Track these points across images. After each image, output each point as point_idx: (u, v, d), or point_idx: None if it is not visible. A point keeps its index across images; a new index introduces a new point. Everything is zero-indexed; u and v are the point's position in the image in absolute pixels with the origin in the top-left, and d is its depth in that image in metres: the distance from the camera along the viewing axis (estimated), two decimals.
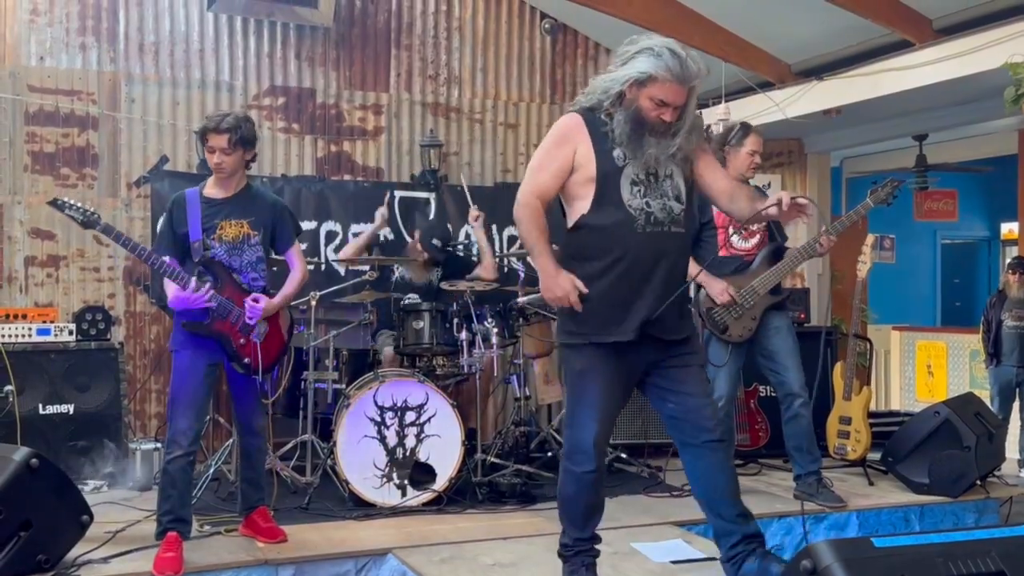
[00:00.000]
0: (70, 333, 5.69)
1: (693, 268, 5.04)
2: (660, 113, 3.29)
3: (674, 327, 3.46)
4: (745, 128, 5.17)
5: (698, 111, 3.45)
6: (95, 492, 5.36)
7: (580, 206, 3.38)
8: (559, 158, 3.39)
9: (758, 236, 5.14)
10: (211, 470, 5.37)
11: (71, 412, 5.59)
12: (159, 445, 5.64)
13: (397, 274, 6.30)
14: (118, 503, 5.11)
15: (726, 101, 6.86)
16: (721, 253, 5.10)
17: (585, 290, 3.30)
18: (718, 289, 5.05)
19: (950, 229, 12.85)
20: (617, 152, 3.35)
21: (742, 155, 5.11)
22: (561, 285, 3.30)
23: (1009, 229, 11.94)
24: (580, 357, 3.42)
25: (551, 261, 3.34)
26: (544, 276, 3.34)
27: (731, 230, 5.07)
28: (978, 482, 5.38)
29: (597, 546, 3.57)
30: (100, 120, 6.34)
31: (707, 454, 3.49)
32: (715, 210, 5.07)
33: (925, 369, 9.86)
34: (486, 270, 6.24)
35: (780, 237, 5.25)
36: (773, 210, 3.40)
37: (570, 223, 3.44)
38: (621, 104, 3.32)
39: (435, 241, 6.45)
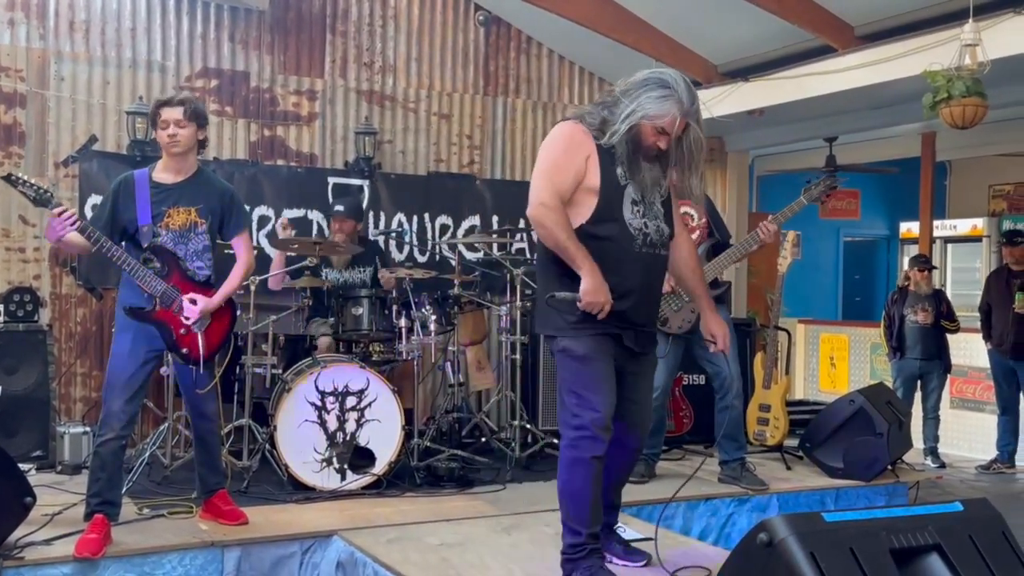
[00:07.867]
0: None
1: None
2: (657, 140, 3.36)
3: (645, 342, 3.59)
4: None
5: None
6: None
7: (578, 213, 3.38)
8: (576, 163, 3.37)
9: (697, 232, 5.32)
10: (145, 454, 5.34)
11: None
12: (87, 429, 5.58)
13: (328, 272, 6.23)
14: (50, 486, 5.04)
15: None
16: None
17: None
18: None
19: (852, 227, 13.39)
20: (619, 170, 3.40)
21: None
22: (606, 294, 3.32)
23: (907, 228, 12.44)
24: (581, 345, 3.41)
25: (595, 265, 3.32)
26: (593, 280, 3.30)
27: None
28: (889, 467, 5.69)
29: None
30: (28, 97, 6.19)
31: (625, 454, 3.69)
32: None
33: (828, 361, 10.26)
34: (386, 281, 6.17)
35: (720, 235, 5.44)
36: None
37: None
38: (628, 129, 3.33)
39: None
